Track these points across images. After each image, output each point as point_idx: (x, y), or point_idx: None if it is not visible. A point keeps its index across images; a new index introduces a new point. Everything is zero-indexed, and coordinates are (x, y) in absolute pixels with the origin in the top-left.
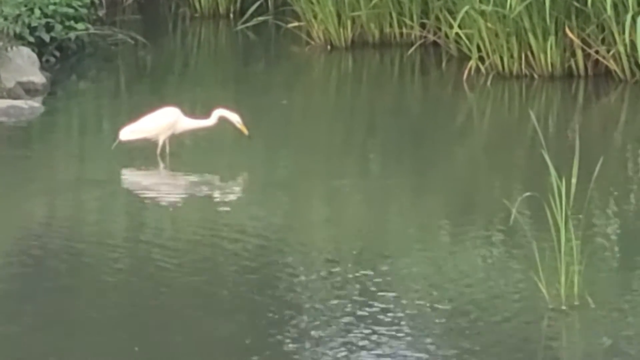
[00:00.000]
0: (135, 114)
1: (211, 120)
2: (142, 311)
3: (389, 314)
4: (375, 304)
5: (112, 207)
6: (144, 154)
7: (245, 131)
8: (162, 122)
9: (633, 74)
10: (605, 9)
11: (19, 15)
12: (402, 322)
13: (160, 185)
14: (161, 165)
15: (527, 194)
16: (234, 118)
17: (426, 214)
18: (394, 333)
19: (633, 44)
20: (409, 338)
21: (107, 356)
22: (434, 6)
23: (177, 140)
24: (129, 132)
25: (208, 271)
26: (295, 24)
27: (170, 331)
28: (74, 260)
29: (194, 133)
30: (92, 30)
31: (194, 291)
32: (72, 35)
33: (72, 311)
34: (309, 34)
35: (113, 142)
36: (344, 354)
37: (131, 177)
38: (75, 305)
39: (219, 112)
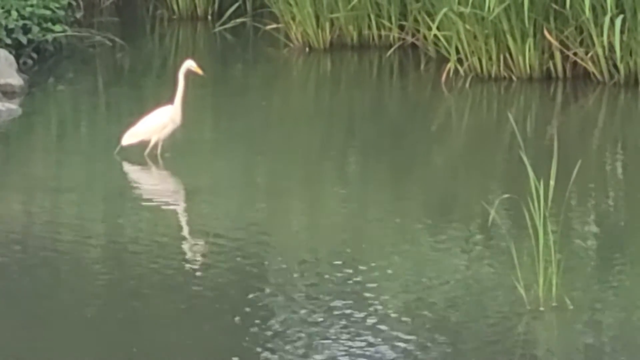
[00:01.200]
0: (113, 116)
1: (181, 84)
2: (122, 312)
3: (367, 316)
4: (353, 306)
5: (90, 208)
6: (123, 155)
7: (201, 72)
8: (160, 121)
9: (611, 76)
10: (583, 11)
11: None
12: (380, 324)
13: (144, 187)
14: (152, 166)
15: (506, 195)
16: (188, 65)
17: (404, 216)
18: (371, 333)
19: (611, 45)
20: (386, 340)
21: (87, 357)
22: (412, 8)
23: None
24: (129, 137)
25: (188, 272)
26: (274, 25)
27: (151, 332)
28: (53, 263)
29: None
30: (69, 32)
31: (176, 292)
32: (49, 37)
33: (52, 313)
34: (287, 36)
35: (115, 148)
36: (321, 357)
37: (110, 179)
38: (56, 307)
39: (181, 74)
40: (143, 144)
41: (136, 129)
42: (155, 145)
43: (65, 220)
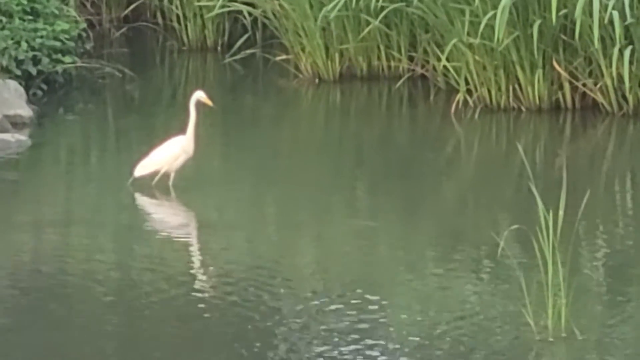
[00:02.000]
0: (123, 147)
1: (192, 115)
2: (135, 345)
3: (378, 348)
4: (363, 336)
5: (101, 240)
6: (135, 186)
7: (210, 103)
8: (172, 152)
9: (620, 107)
10: (592, 42)
11: (5, 49)
12: (390, 355)
13: (155, 219)
14: (163, 197)
15: (515, 226)
16: (198, 96)
17: (414, 248)
18: None
19: (620, 76)
20: None
21: None
22: (421, 39)
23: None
24: (142, 168)
25: (199, 304)
26: (283, 56)
27: None
28: (65, 295)
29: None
30: (79, 64)
31: (187, 324)
32: (59, 68)
33: (65, 345)
34: (297, 67)
35: (128, 179)
36: None
37: (121, 210)
38: (69, 339)
39: (191, 104)
40: (155, 175)
41: (148, 160)
42: (166, 175)
43: (75, 252)
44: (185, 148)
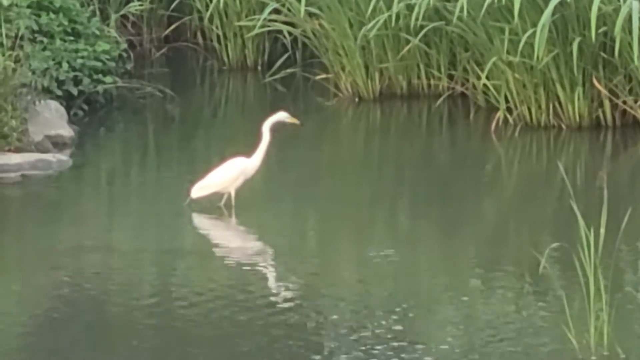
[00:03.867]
0: (164, 167)
1: (266, 137)
2: None
3: None
4: (405, 355)
5: (141, 263)
6: (176, 209)
7: (297, 121)
8: (231, 174)
9: None
10: (632, 59)
11: (47, 69)
12: None
13: (201, 241)
14: (227, 216)
15: (556, 244)
16: (281, 117)
17: (456, 266)
18: None
19: None
20: None
21: None
22: (461, 57)
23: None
24: (199, 189)
25: (233, 323)
26: (323, 76)
27: None
28: (104, 319)
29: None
30: (120, 84)
31: (221, 347)
32: (100, 88)
33: None
34: (336, 86)
35: (185, 200)
36: None
37: (160, 232)
38: None
39: (266, 126)
40: (212, 196)
41: (206, 181)
42: (229, 195)
43: (115, 274)
44: (245, 170)
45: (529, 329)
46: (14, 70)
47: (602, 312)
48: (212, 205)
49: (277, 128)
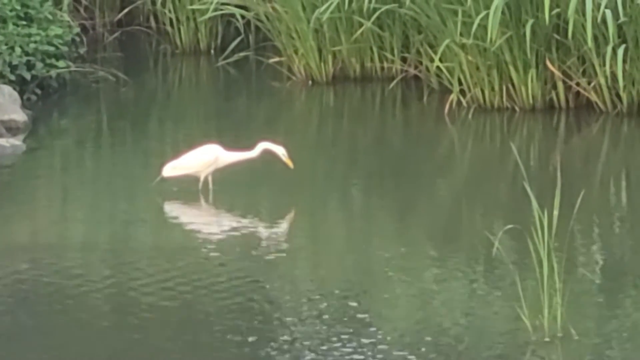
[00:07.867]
0: (118, 151)
1: (254, 153)
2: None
3: (370, 349)
4: (357, 338)
5: (98, 235)
6: (131, 192)
7: (291, 164)
8: (204, 158)
9: (614, 106)
10: (585, 42)
11: None
12: (383, 355)
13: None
14: (202, 201)
15: (509, 226)
16: (279, 151)
17: (408, 248)
18: None
19: (614, 75)
20: None
21: None
22: (414, 40)
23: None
24: (171, 169)
25: (197, 303)
26: (276, 59)
27: None
28: (61, 304)
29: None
30: (73, 68)
31: (179, 325)
32: (53, 73)
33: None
34: (290, 69)
35: (155, 179)
36: None
37: (116, 210)
38: (69, 344)
39: (263, 145)
40: (184, 178)
41: (180, 162)
42: (205, 180)
43: (72, 255)
44: (219, 158)
45: (482, 311)
46: None
47: (556, 293)
48: (179, 190)
49: (265, 153)
